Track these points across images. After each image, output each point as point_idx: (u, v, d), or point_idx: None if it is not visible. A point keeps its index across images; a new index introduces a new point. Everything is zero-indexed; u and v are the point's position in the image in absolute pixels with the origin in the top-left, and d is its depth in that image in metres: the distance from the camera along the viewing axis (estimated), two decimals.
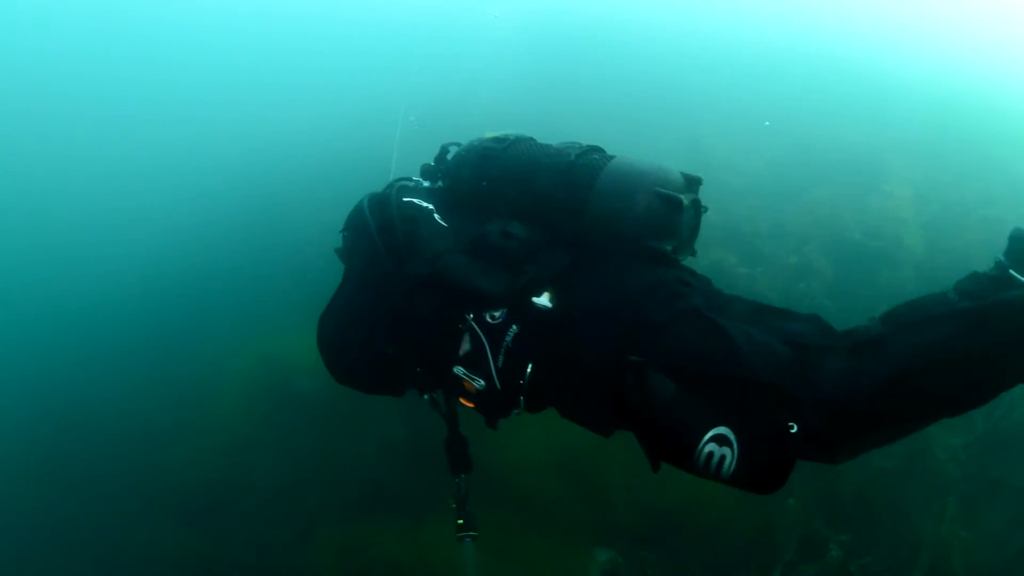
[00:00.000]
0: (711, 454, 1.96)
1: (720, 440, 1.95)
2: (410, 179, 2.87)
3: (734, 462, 1.96)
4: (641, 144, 9.04)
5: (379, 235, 2.53)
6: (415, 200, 2.62)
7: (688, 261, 2.60)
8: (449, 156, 2.84)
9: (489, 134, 2.75)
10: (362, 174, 3.83)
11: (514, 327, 2.28)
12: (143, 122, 15.14)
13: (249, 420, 6.90)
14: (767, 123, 9.77)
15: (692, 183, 2.51)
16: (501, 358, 2.29)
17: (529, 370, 2.26)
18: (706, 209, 2.61)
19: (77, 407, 7.55)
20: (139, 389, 7.29)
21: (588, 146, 2.59)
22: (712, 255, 6.46)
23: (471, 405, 2.47)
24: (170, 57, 18.91)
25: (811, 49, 14.67)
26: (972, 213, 7.28)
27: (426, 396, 2.70)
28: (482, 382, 2.33)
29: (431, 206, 2.61)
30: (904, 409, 1.94)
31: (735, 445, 1.95)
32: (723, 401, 1.99)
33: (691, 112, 9.40)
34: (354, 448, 6.68)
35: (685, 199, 2.38)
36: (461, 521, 2.98)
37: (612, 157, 2.51)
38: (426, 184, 2.84)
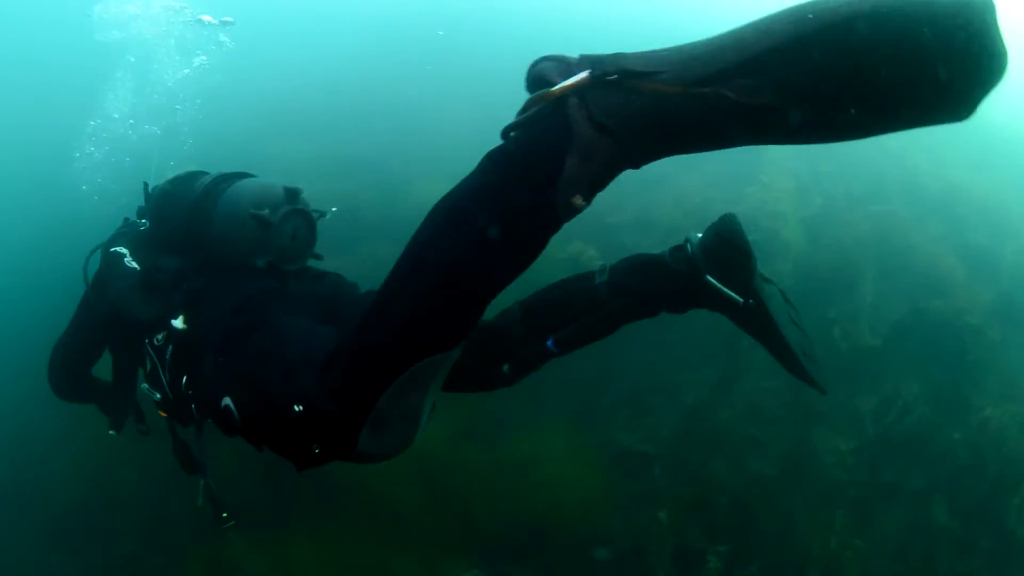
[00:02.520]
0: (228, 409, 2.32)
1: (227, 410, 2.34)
2: (133, 221, 3.36)
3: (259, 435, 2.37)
4: (490, 129, 9.13)
5: (89, 281, 3.18)
6: (118, 248, 3.09)
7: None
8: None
9: (170, 175, 3.18)
10: None
11: (170, 347, 2.68)
12: None
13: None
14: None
15: (291, 195, 2.90)
16: (167, 374, 2.72)
17: (184, 382, 2.63)
18: (323, 214, 3.06)
19: None
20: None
21: (223, 175, 2.98)
22: (571, 248, 6.24)
23: (165, 415, 2.95)
24: None
25: (688, 22, 12.79)
26: (859, 208, 6.92)
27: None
28: (158, 395, 2.82)
29: (125, 250, 3.04)
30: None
31: (235, 417, 2.30)
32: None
33: None
34: (215, 463, 6.29)
35: (273, 215, 2.76)
36: (225, 515, 3.48)
37: (238, 182, 2.93)
38: (142, 223, 3.27)
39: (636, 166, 1.84)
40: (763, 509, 5.88)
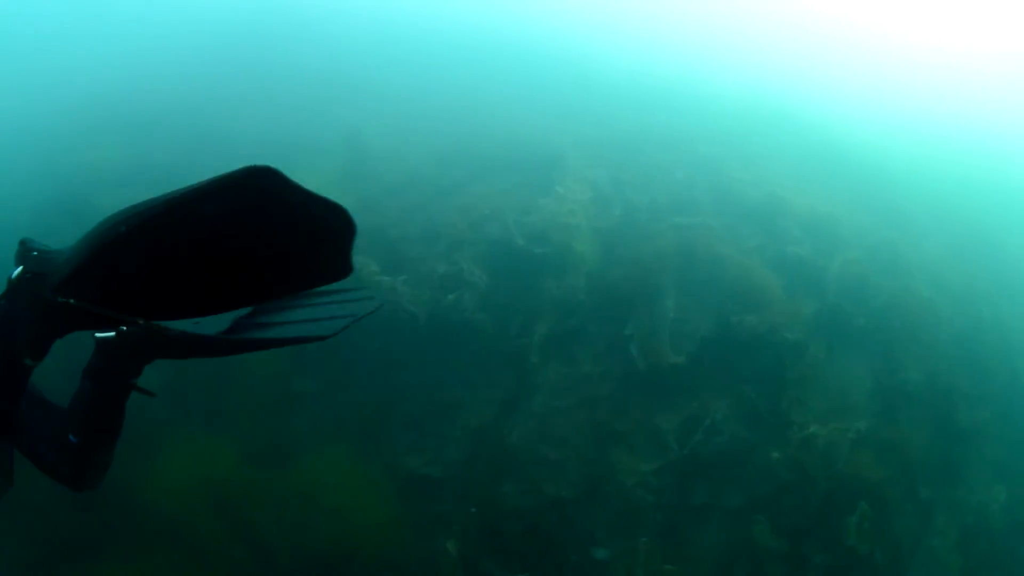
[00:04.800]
0: None
1: None
2: None
3: None
4: (299, 137, 7.48)
5: None
6: None
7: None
8: None
9: None
10: None
11: None
12: None
13: None
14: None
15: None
16: None
17: None
18: None
19: None
20: None
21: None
22: (354, 262, 6.09)
23: None
24: None
25: (486, 26, 12.51)
26: (664, 219, 6.69)
27: None
28: None
29: None
30: None
31: None
32: None
33: (353, 102, 8.47)
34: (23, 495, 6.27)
35: None
36: None
37: None
38: None
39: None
40: (562, 535, 5.73)
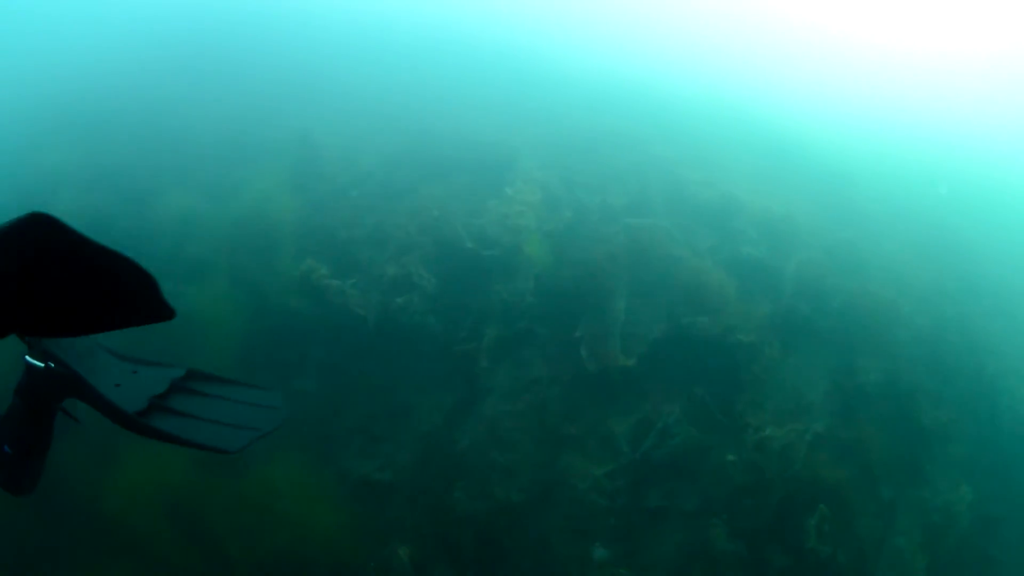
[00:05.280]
0: None
1: None
2: None
3: None
4: (252, 137, 7.47)
5: None
6: None
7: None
8: None
9: None
10: None
11: None
12: None
13: None
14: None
15: None
16: None
17: None
18: None
19: None
20: None
21: None
22: (303, 265, 5.99)
23: None
24: None
25: (441, 26, 12.31)
26: (616, 220, 6.62)
27: None
28: None
29: None
30: None
31: None
32: None
33: (306, 102, 8.38)
34: None
35: None
36: None
37: None
38: None
39: None
40: (514, 540, 5.70)
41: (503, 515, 5.68)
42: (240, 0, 11.76)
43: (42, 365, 2.76)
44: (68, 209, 6.99)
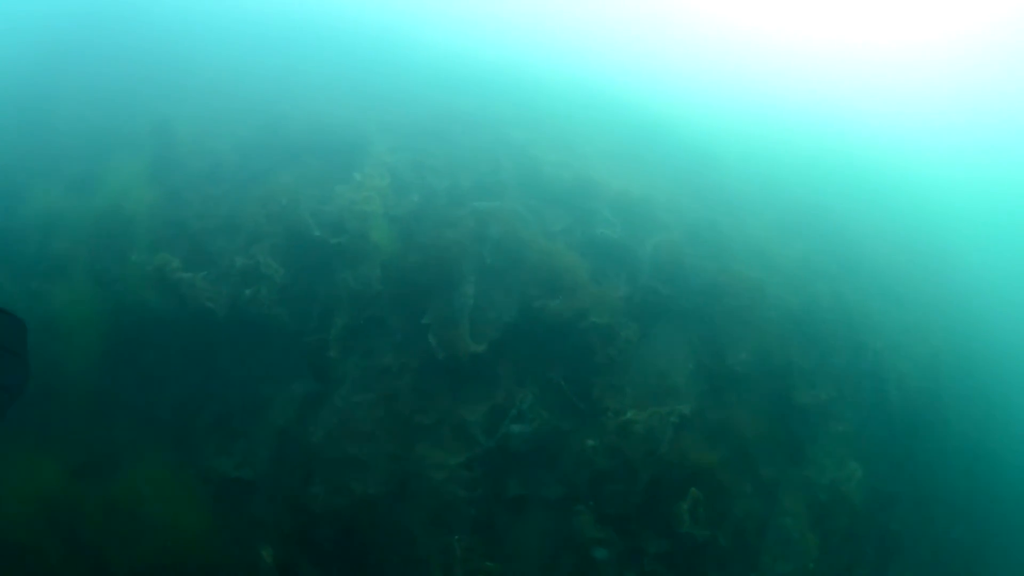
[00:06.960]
0: None
1: None
2: None
3: None
4: (115, 128, 7.37)
5: None
6: None
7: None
8: None
9: None
10: None
11: None
12: None
13: None
14: None
15: None
16: None
17: None
18: None
19: None
20: None
21: None
22: (157, 259, 5.95)
23: None
24: None
25: (297, 9, 12.00)
26: (464, 204, 6.56)
27: None
28: None
29: None
30: None
31: None
32: None
33: (164, 88, 8.21)
34: None
35: None
36: None
37: None
38: None
39: None
40: (375, 535, 5.57)
41: (362, 509, 5.58)
42: None
43: None
44: None
